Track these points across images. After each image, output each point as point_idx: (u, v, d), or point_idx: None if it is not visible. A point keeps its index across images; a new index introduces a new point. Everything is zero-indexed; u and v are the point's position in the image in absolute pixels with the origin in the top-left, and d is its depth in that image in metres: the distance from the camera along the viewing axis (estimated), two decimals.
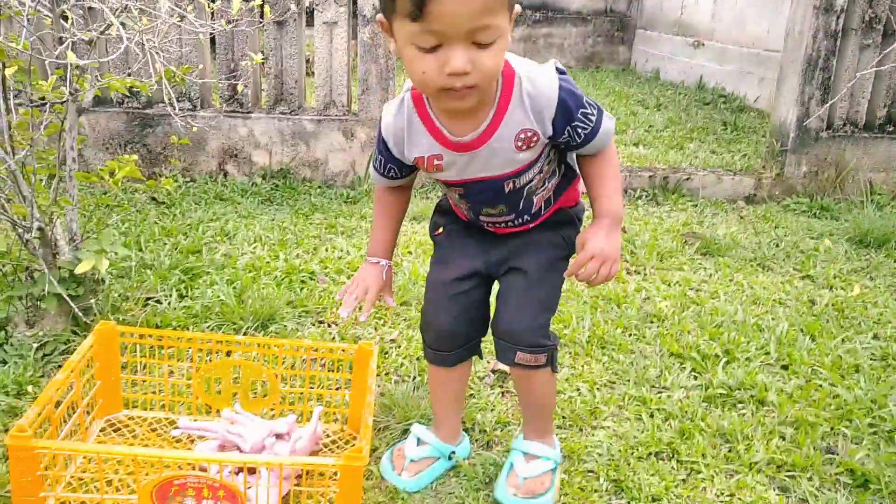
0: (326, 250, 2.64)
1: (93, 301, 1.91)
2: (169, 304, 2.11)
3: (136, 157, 1.89)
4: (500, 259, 1.41)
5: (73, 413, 1.43)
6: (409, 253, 2.70)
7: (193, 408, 1.62)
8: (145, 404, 1.63)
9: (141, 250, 2.45)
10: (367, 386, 1.46)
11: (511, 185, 1.29)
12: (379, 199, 1.45)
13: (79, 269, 1.79)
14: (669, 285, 2.54)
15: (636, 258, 2.77)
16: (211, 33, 2.40)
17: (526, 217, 1.36)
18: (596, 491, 1.50)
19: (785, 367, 2.02)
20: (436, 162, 1.26)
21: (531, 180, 1.30)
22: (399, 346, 2.02)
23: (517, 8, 1.10)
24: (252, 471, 1.36)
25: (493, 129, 1.20)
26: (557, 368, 1.46)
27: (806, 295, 2.52)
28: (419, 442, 1.52)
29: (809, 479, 1.57)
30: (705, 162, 4.09)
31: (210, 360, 1.61)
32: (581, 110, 1.20)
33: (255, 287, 2.23)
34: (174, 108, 2.11)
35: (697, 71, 6.77)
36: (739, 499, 1.50)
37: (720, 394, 1.85)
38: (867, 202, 3.49)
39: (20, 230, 1.83)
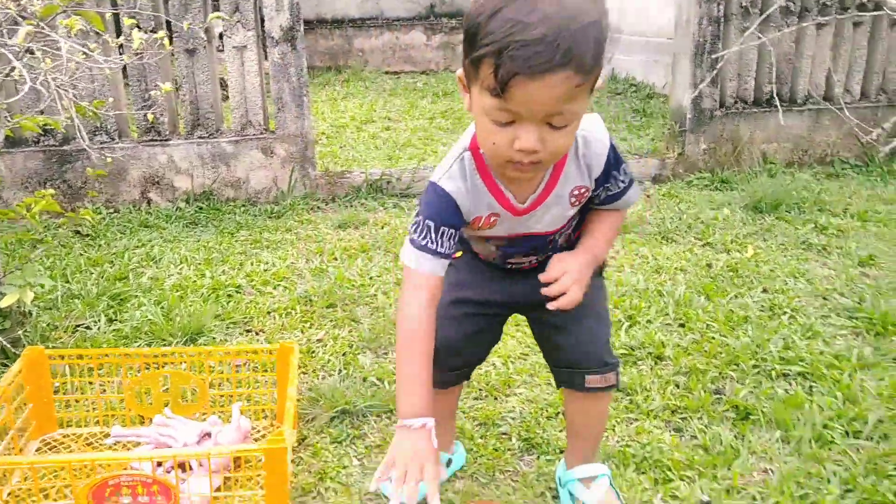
0: (252, 264, 2.73)
1: (20, 332, 1.97)
2: (98, 328, 2.18)
3: (52, 191, 1.96)
4: (526, 292, 1.33)
5: (6, 436, 1.50)
6: (335, 259, 2.81)
7: (127, 420, 1.70)
8: (80, 422, 1.71)
9: (68, 282, 2.50)
10: (290, 378, 1.57)
11: (554, 238, 1.31)
12: (413, 321, 1.21)
13: (3, 303, 1.86)
14: None
15: None
16: (124, 66, 2.48)
17: (549, 255, 1.30)
18: (509, 450, 1.65)
19: (682, 325, 2.21)
20: (492, 219, 1.25)
21: (571, 230, 1.33)
22: (325, 346, 2.13)
23: (600, 82, 1.08)
24: (184, 467, 1.46)
25: (551, 189, 1.22)
26: (620, 388, 1.49)
27: (704, 260, 2.73)
28: None
29: (700, 418, 1.74)
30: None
31: (140, 374, 1.69)
32: (618, 170, 1.23)
33: (183, 305, 2.31)
34: (86, 142, 2.18)
35: (608, 64, 7.05)
36: (638, 442, 1.66)
37: (622, 354, 2.02)
38: (761, 172, 3.76)
39: None
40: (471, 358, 1.47)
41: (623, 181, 1.25)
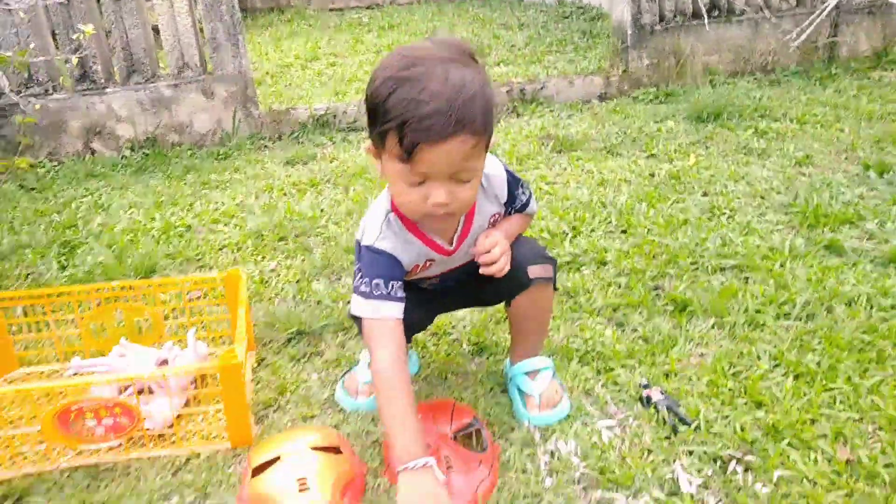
0: (201, 204, 2.73)
1: None
2: (51, 275, 2.19)
3: None
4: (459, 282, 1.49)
5: None
6: (284, 194, 2.83)
7: (87, 354, 1.73)
8: (40, 360, 1.74)
9: (16, 233, 2.49)
10: (240, 301, 1.61)
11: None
12: (388, 374, 1.25)
13: None
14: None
15: None
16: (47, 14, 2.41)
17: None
18: (460, 354, 1.73)
19: (623, 232, 2.29)
20: (427, 264, 1.39)
21: None
22: (278, 275, 2.17)
23: (493, 139, 1.24)
24: (144, 392, 1.51)
25: (471, 224, 1.37)
26: (557, 287, 1.54)
27: (648, 170, 2.81)
28: (369, 365, 1.51)
29: (640, 313, 1.83)
30: (562, 71, 4.34)
31: (93, 310, 1.72)
32: (519, 185, 1.41)
33: (134, 247, 2.32)
34: (11, 92, 2.14)
35: None
36: (581, 338, 1.74)
37: (566, 262, 2.10)
38: (704, 83, 3.82)
39: None
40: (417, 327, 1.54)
41: (524, 195, 1.43)
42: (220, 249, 2.35)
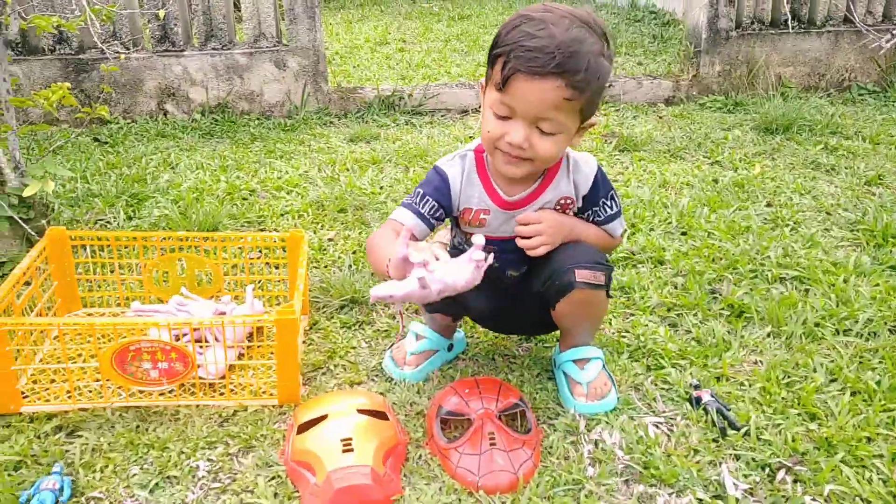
0: (266, 172, 2.78)
1: (44, 222, 2.04)
2: (118, 224, 2.25)
3: (68, 84, 2.00)
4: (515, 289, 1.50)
5: (34, 309, 1.59)
6: (346, 169, 2.86)
7: (146, 301, 1.79)
8: (102, 303, 1.79)
9: (87, 182, 2.57)
10: (300, 262, 1.64)
11: None
12: (373, 237, 1.40)
13: (26, 192, 1.92)
14: None
15: None
16: None
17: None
18: (508, 338, 1.72)
19: (683, 234, 2.25)
20: (481, 216, 1.41)
21: None
22: (336, 244, 2.20)
23: (593, 120, 1.30)
24: (201, 341, 1.55)
25: (540, 193, 1.39)
26: (611, 295, 1.49)
27: (711, 176, 2.75)
28: (417, 337, 1.58)
29: (695, 315, 1.80)
30: (630, 72, 4.28)
31: (157, 258, 1.77)
32: (608, 195, 1.42)
33: (199, 205, 2.38)
34: (99, 44, 2.21)
35: None
36: (633, 333, 1.72)
37: (623, 257, 2.08)
38: (775, 95, 3.72)
39: None
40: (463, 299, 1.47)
41: (611, 208, 1.43)
42: (282, 215, 2.39)
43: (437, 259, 1.19)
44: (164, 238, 1.74)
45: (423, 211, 1.39)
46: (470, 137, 3.29)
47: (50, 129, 2.08)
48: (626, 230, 1.50)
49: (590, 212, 1.44)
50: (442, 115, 3.72)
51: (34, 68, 3.31)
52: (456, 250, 1.51)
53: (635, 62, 4.62)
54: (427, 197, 1.40)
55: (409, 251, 1.17)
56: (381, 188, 2.65)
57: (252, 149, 3.10)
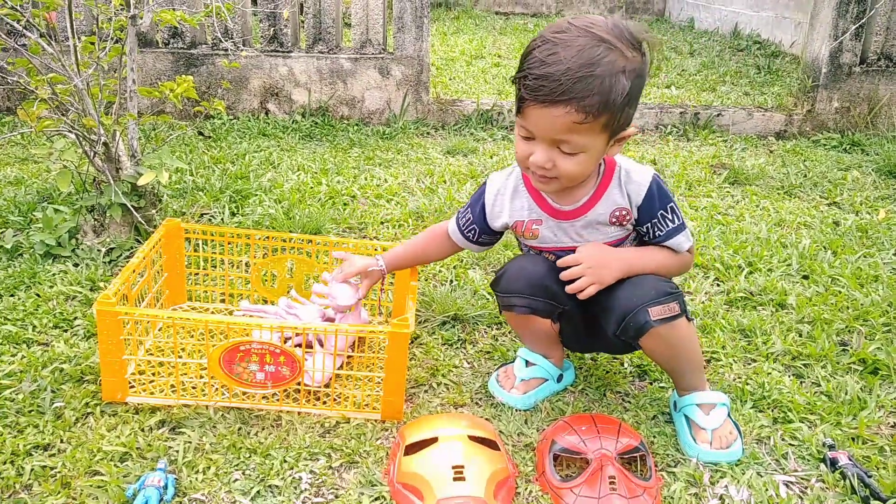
0: (365, 178, 2.76)
1: (153, 212, 2.06)
2: (222, 219, 2.26)
3: (190, 77, 2.02)
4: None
5: (144, 299, 1.58)
6: (444, 181, 2.82)
7: (251, 300, 1.77)
8: (207, 298, 1.78)
9: (192, 175, 2.60)
10: (410, 275, 1.58)
11: None
12: (430, 234, 1.57)
13: (141, 181, 1.94)
14: (697, 209, 2.63)
15: None
16: None
17: None
18: (620, 373, 1.63)
19: (805, 277, 2.11)
20: (534, 227, 1.41)
21: None
22: None
23: (629, 131, 1.27)
24: (309, 346, 1.51)
25: (592, 204, 1.36)
26: (692, 317, 1.41)
27: (831, 218, 2.59)
28: (527, 363, 1.53)
29: (823, 366, 1.67)
30: (736, 102, 4.12)
31: (266, 258, 1.75)
32: (667, 207, 1.36)
33: (301, 206, 2.37)
34: (222, 40, 2.23)
35: (732, 18, 6.71)
36: (755, 381, 1.60)
37: (741, 297, 1.96)
38: None
39: (86, 146, 1.98)
40: (552, 289, 1.40)
41: (672, 221, 1.37)
42: (382, 223, 2.36)
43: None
44: (275, 238, 1.71)
45: (461, 223, 1.50)
46: None
47: (170, 119, 2.10)
48: (693, 245, 1.40)
49: (649, 225, 1.37)
50: None
51: (147, 60, 3.40)
52: None
53: (741, 92, 4.45)
54: (469, 215, 1.49)
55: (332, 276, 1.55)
56: None
57: (351, 154, 3.10)
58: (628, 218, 1.36)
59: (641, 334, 1.32)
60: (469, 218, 1.48)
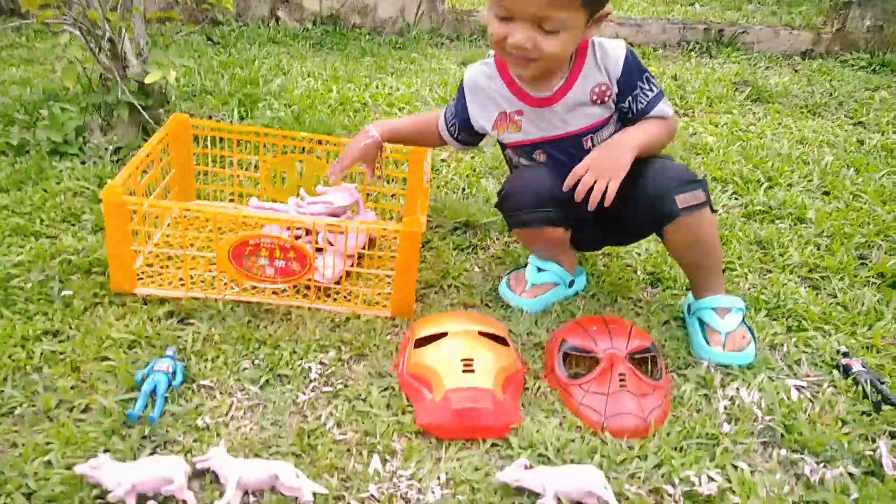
0: (377, 87, 2.69)
1: (161, 111, 2.01)
2: (231, 122, 2.21)
3: None
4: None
5: (152, 195, 1.56)
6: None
7: (261, 199, 1.73)
8: (216, 196, 1.76)
9: (201, 78, 2.54)
10: (423, 172, 1.55)
11: (590, 141, 1.37)
12: (425, 117, 1.56)
13: (149, 79, 1.89)
14: (717, 126, 2.56)
15: (685, 102, 2.77)
16: None
17: None
18: (632, 280, 1.61)
19: (826, 193, 2.06)
20: (516, 118, 1.37)
21: (608, 138, 1.35)
22: (449, 166, 2.11)
23: (605, 10, 1.22)
24: (319, 250, 1.48)
25: (570, 86, 1.32)
26: (714, 208, 1.36)
27: (855, 137, 2.52)
28: (539, 269, 1.50)
29: (840, 279, 1.64)
30: (764, 20, 3.97)
31: (276, 157, 1.71)
32: (644, 77, 1.32)
33: (312, 112, 2.31)
34: None
35: None
36: (770, 291, 1.58)
37: (759, 211, 1.92)
38: None
39: (91, 42, 1.92)
40: (560, 195, 1.34)
41: (650, 90, 1.32)
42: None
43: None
44: (286, 136, 1.67)
45: (447, 116, 1.49)
46: None
47: (178, 17, 2.02)
48: (670, 107, 1.36)
49: (630, 99, 1.33)
50: None
51: None
52: (512, 165, 1.52)
53: (768, 11, 4.28)
54: (454, 118, 1.47)
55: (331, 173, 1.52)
56: None
57: (362, 63, 3.01)
58: (609, 94, 1.32)
59: (667, 222, 1.30)
60: (453, 111, 1.47)
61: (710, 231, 1.34)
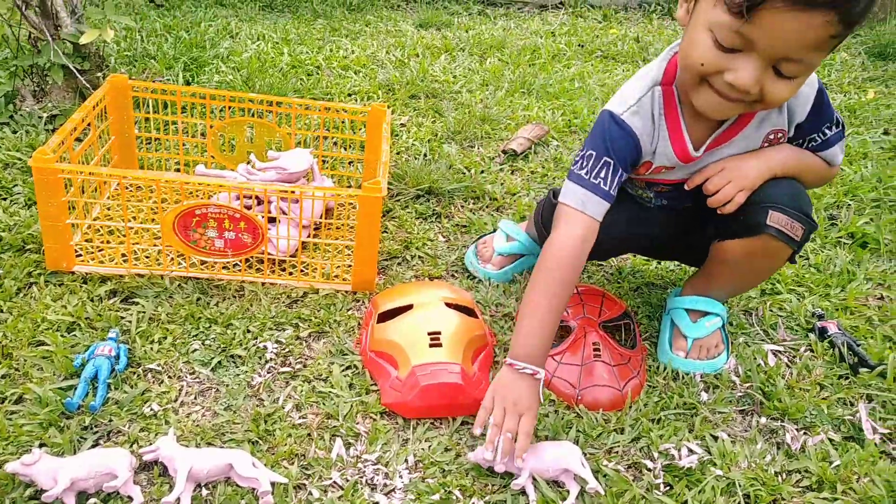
0: (331, 49, 2.58)
1: (99, 75, 1.88)
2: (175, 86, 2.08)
3: None
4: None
5: (90, 163, 1.44)
6: (416, 54, 2.64)
7: (208, 166, 1.63)
8: (161, 166, 1.64)
9: (143, 42, 2.39)
10: (383, 137, 1.46)
11: None
12: (563, 250, 1.04)
13: (83, 39, 1.75)
14: None
15: (648, 63, 2.71)
16: None
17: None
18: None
19: None
20: (662, 171, 1.13)
21: None
22: (409, 131, 2.02)
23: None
24: (272, 220, 1.39)
25: (738, 130, 1.08)
26: (795, 260, 1.18)
27: None
28: (508, 238, 1.43)
29: (812, 240, 1.61)
30: None
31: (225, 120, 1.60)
32: (830, 122, 1.11)
33: (262, 75, 2.19)
34: None
35: None
36: None
37: None
38: (890, 17, 3.37)
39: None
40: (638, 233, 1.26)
41: (829, 130, 1.11)
42: (350, 95, 2.20)
43: None
44: (234, 98, 1.56)
45: (609, 189, 1.06)
46: (551, 34, 3.03)
47: None
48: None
49: (803, 140, 1.12)
50: (518, 9, 3.45)
51: None
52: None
53: None
54: (619, 168, 1.06)
55: None
56: (455, 77, 2.44)
57: (315, 26, 2.88)
58: (782, 139, 1.11)
59: (747, 234, 1.11)
60: (617, 172, 1.06)
61: (766, 272, 1.21)
